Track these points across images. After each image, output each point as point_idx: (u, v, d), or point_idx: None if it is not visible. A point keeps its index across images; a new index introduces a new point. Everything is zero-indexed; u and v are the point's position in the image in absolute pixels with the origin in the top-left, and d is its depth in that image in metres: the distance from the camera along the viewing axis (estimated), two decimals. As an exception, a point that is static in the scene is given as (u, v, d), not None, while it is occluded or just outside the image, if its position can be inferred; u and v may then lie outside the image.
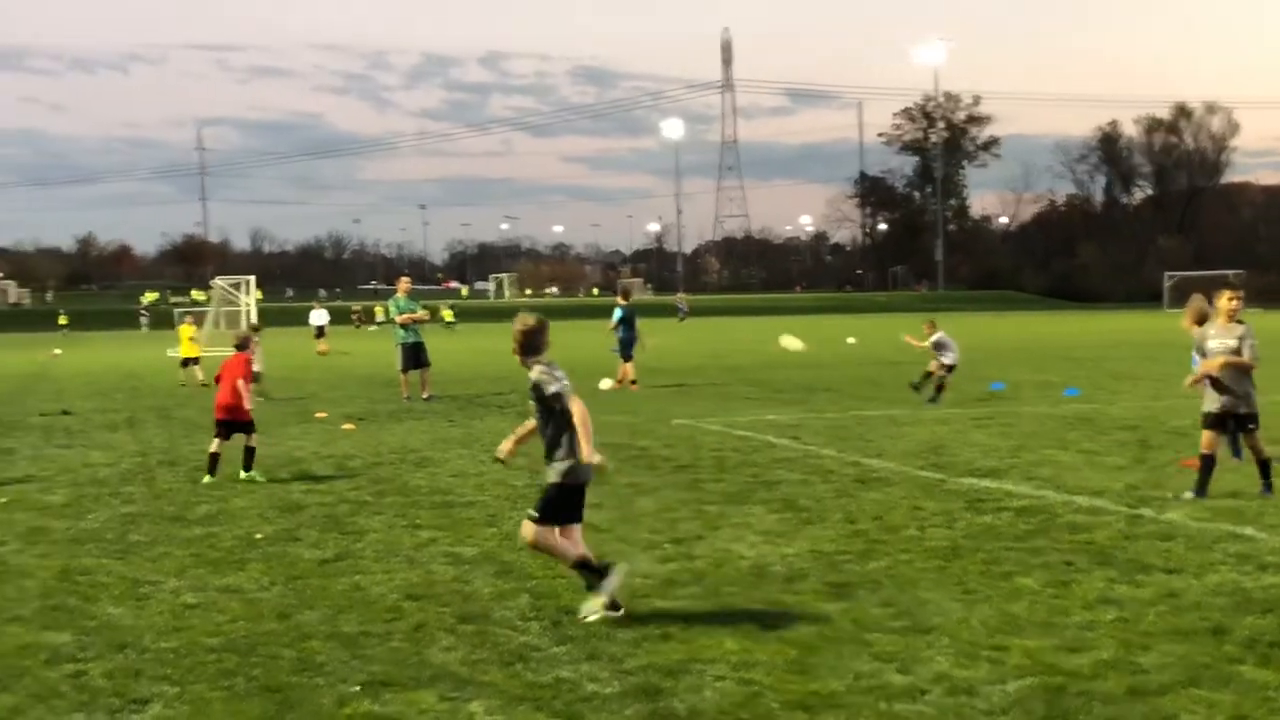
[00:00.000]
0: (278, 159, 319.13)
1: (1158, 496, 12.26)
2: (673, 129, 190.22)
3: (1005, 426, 18.38)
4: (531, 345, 8.30)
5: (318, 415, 21.59)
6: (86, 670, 7.11)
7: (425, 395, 24.78)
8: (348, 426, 19.81)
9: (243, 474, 14.23)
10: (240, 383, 14.47)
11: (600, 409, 21.83)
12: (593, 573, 8.12)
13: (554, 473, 8.19)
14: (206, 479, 14.18)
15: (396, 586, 9.03)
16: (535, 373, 8.18)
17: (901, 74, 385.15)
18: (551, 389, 8.08)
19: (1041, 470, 14.06)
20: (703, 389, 26.46)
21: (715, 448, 16.38)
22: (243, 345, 15.30)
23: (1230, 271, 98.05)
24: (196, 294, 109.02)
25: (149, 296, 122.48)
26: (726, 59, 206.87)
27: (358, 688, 6.70)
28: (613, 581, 8.08)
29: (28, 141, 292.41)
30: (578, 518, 8.32)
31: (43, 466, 15.89)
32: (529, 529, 8.13)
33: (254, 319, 33.15)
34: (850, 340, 46.91)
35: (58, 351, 49.93)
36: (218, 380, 14.93)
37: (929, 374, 23.07)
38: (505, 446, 8.74)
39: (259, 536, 11.01)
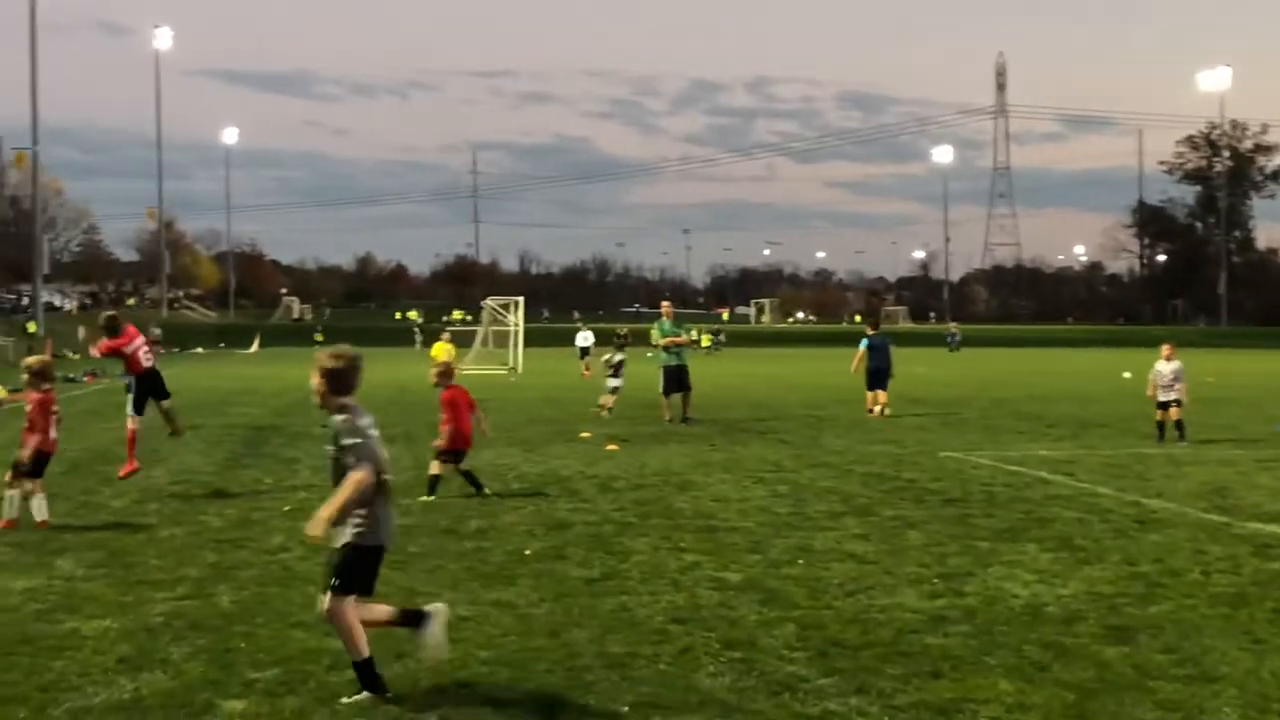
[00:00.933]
0: (546, 182, 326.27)
1: None
2: (942, 154, 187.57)
3: (1294, 470, 17.45)
4: (338, 386, 7.19)
5: (582, 435, 21.91)
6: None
7: (686, 418, 24.92)
8: (611, 447, 20.05)
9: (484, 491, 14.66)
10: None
11: (866, 439, 21.66)
12: (409, 620, 7.34)
13: (348, 533, 7.04)
14: (425, 498, 14.49)
15: (662, 609, 9.07)
16: (337, 419, 7.12)
17: (1183, 101, 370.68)
18: (346, 441, 7.02)
19: (1336, 517, 13.29)
20: (970, 421, 25.91)
21: (985, 482, 16.00)
22: (448, 375, 15.65)
23: None
24: (456, 314, 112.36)
25: (412, 315, 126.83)
26: (1000, 84, 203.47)
27: (626, 708, 6.74)
28: (432, 629, 7.25)
29: (311, 164, 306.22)
30: (371, 588, 7.18)
31: (325, 477, 16.44)
32: (326, 600, 7.01)
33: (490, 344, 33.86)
34: (1126, 375, 45.29)
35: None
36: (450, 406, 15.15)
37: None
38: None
39: (528, 553, 11.21)
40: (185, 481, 16.06)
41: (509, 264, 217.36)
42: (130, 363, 15.84)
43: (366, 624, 7.08)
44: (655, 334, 26.81)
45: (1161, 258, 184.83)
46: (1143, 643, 8.13)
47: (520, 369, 47.45)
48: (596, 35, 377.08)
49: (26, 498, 12.75)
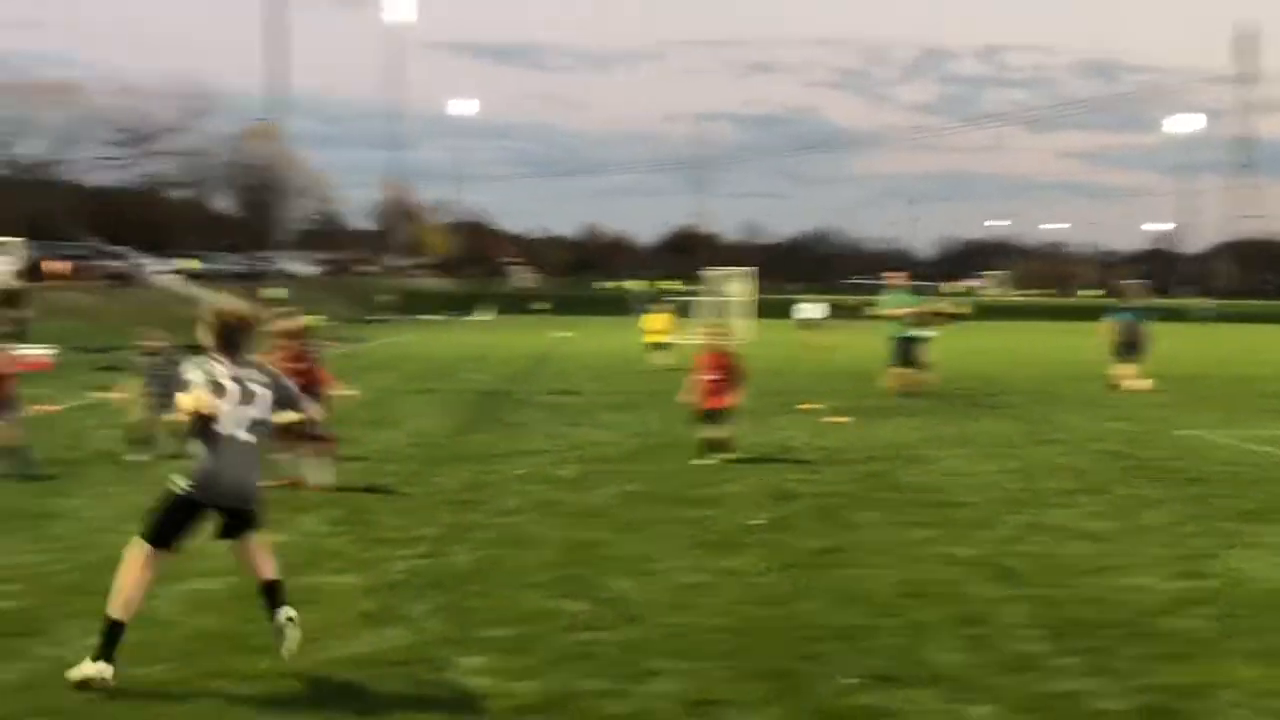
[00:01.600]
0: (770, 153, 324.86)
1: None
2: (1181, 123, 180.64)
3: None
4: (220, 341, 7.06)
5: (804, 407, 21.80)
6: (598, 639, 7.46)
7: (917, 392, 24.60)
8: (839, 419, 19.92)
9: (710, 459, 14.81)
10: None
11: (1099, 415, 21.05)
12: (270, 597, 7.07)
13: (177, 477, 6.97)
14: (703, 460, 14.78)
15: (893, 583, 9.00)
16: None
17: None
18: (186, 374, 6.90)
19: None
20: (1212, 399, 24.97)
21: (1228, 461, 15.43)
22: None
23: None
24: (672, 284, 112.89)
25: (635, 285, 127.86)
26: (1244, 49, 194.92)
27: (857, 680, 6.72)
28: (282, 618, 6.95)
29: (540, 135, 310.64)
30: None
31: (554, 442, 16.82)
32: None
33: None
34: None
35: (565, 334, 52.76)
36: (708, 370, 15.40)
37: None
38: None
39: (755, 523, 11.24)
40: (420, 445, 16.51)
41: (733, 234, 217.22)
42: None
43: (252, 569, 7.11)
44: (885, 305, 26.52)
45: None
46: (1401, 633, 7.77)
47: (744, 339, 47.45)
48: (826, 4, 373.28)
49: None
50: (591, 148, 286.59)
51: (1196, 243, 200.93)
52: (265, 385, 7.07)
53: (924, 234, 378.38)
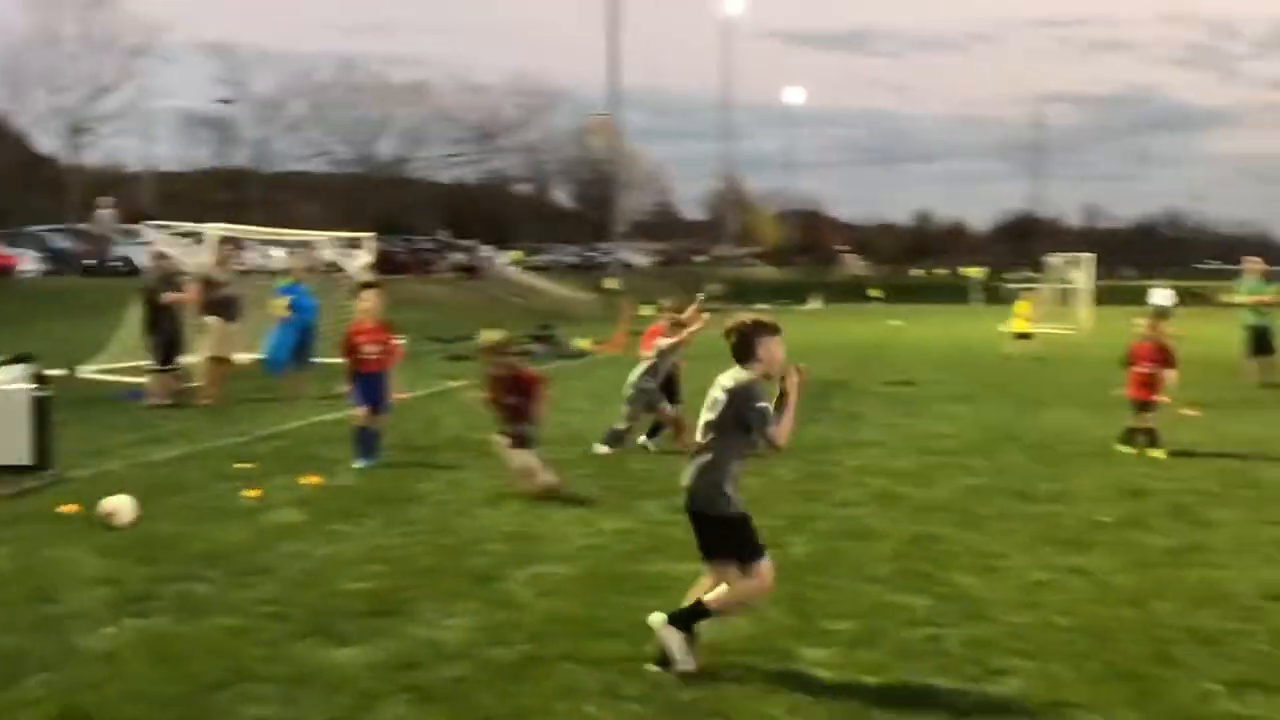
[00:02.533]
0: (1112, 134, 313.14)
1: None
2: None
3: None
4: (743, 352, 7.03)
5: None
6: (943, 635, 7.37)
7: (1270, 382, 23.33)
8: (1189, 412, 19.05)
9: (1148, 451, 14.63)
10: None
11: None
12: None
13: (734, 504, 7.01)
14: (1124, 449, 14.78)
15: (1255, 584, 8.57)
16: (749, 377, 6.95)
17: None
18: (759, 404, 6.87)
19: None
20: None
21: None
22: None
23: None
24: (1032, 272, 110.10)
25: (973, 272, 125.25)
26: None
27: (1220, 686, 6.43)
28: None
29: (872, 121, 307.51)
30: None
31: (890, 434, 16.66)
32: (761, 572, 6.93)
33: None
34: None
35: (898, 323, 52.19)
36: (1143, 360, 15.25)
37: None
38: None
39: (1105, 519, 10.88)
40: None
41: (1073, 219, 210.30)
42: None
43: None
44: (1240, 293, 25.27)
45: None
46: None
47: (1087, 328, 45.93)
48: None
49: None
50: (926, 132, 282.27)
51: None
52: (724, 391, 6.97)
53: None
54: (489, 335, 12.92)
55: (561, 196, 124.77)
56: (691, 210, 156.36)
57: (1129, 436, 15.00)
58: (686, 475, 7.06)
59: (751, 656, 7.01)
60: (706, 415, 7.01)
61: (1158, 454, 14.46)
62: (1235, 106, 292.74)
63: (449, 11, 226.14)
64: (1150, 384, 15.01)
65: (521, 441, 12.18)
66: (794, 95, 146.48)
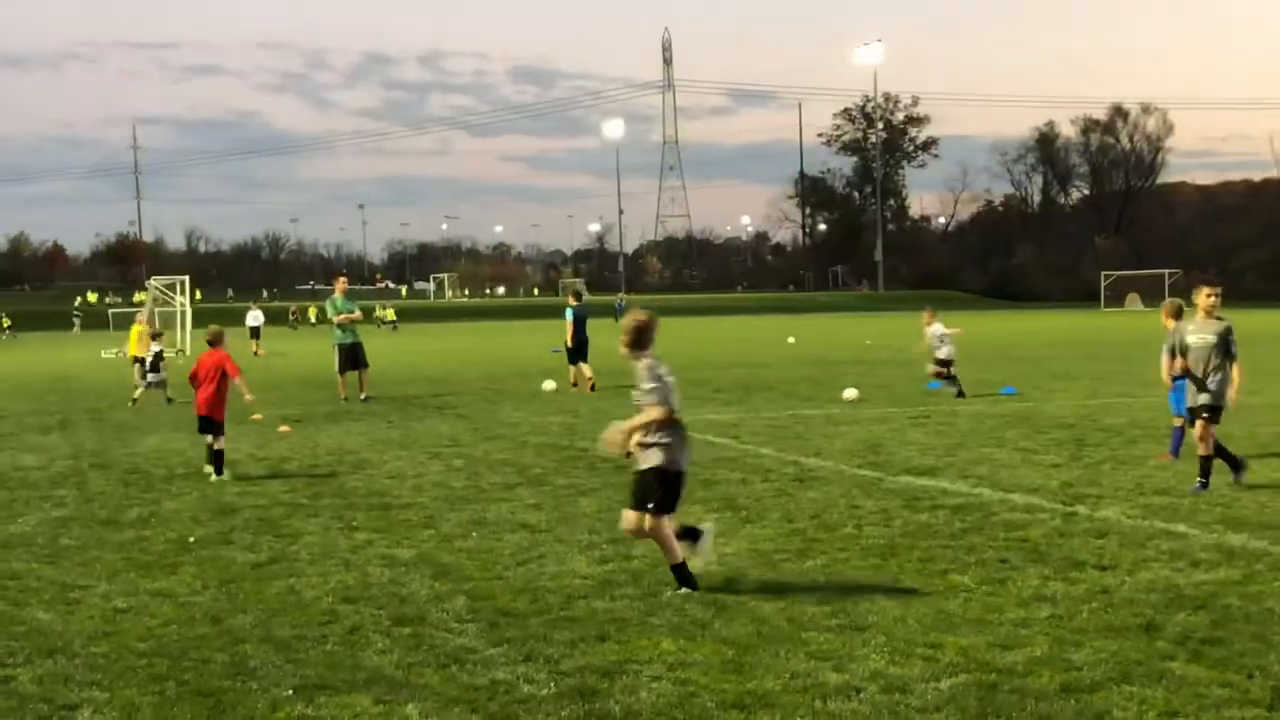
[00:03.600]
0: (214, 158, 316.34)
1: (1092, 494, 12.35)
2: (613, 129, 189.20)
3: (942, 425, 18.48)
4: (639, 340, 8.93)
5: (254, 417, 21.32)
6: (15, 676, 6.99)
7: (363, 396, 24.61)
8: (284, 429, 19.64)
9: (214, 477, 14.25)
10: (237, 379, 14.74)
11: (542, 410, 21.83)
12: (688, 535, 8.95)
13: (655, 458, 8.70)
14: (214, 476, 14.31)
15: (331, 589, 8.95)
16: (640, 365, 8.88)
17: (841, 75, 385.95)
18: (645, 384, 8.75)
19: (978, 469, 14.14)
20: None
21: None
22: (216, 341, 15.13)
23: (1166, 271, 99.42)
24: (141, 295, 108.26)
25: (91, 297, 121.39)
26: (667, 59, 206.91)
27: (290, 691, 6.62)
28: (705, 541, 9.00)
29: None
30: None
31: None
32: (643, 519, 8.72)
33: (156, 325, 32.23)
34: (790, 340, 47.02)
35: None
36: (194, 379, 14.77)
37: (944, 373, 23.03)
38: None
39: (191, 540, 10.89)
40: None
41: (176, 242, 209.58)
42: None
43: (661, 543, 8.72)
44: (328, 310, 26.36)
45: (823, 227, 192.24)
46: (798, 596, 8.48)
47: (189, 350, 45.87)
48: (266, 6, 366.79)
49: None
50: (18, 153, 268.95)
51: (630, 241, 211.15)
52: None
53: (377, 238, 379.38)
54: None
55: None
56: None
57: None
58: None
59: None
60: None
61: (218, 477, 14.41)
62: (327, 133, 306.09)
63: None
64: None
65: None
66: None
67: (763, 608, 8.19)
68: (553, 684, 6.69)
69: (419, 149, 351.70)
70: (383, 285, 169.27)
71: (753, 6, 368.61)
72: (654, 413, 8.57)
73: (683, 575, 8.65)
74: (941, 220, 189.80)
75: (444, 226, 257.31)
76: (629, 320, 8.96)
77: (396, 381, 29.63)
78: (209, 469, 14.41)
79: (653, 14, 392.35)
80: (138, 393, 24.95)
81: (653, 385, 8.62)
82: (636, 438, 8.70)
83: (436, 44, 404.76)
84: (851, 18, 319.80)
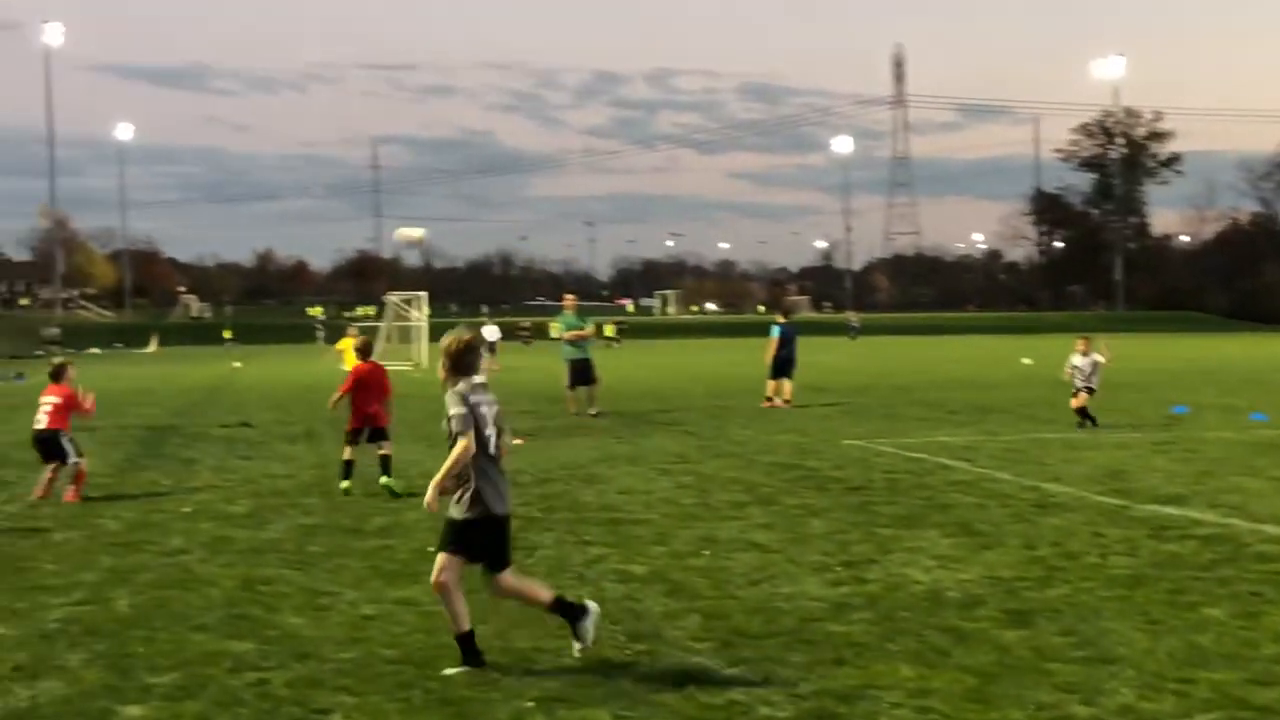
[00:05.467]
0: (449, 176, 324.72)
1: (1353, 527, 11.73)
2: (842, 145, 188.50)
3: (1189, 452, 17.80)
4: (457, 366, 7.74)
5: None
6: (269, 679, 7.25)
7: (593, 411, 24.91)
8: (516, 442, 19.96)
9: (383, 480, 14.73)
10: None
11: (770, 428, 21.78)
12: (566, 612, 7.76)
13: (450, 506, 7.72)
14: (346, 484, 14.72)
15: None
16: (448, 392, 7.73)
17: (1079, 89, 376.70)
18: (451, 410, 7.58)
19: (1228, 497, 13.57)
20: (872, 409, 26.16)
21: (887, 469, 16.16)
22: (368, 351, 15.72)
23: None
24: (364, 309, 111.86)
25: (315, 311, 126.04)
26: (898, 74, 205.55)
27: (531, 703, 6.72)
28: (587, 623, 7.69)
29: (209, 159, 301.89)
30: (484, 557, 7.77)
31: (225, 477, 16.33)
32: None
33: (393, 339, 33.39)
34: (1026, 361, 45.99)
35: (238, 364, 51.38)
36: (360, 390, 15.29)
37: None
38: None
39: (431, 550, 11.12)
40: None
41: (412, 258, 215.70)
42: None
43: (521, 597, 7.85)
44: (558, 327, 26.77)
45: (1059, 244, 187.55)
46: (1041, 626, 8.26)
47: (425, 364, 47.11)
48: (498, 28, 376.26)
49: None
50: (265, 171, 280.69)
51: (857, 258, 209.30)
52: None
53: (603, 254, 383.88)
54: None
55: None
56: (17, 250, 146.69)
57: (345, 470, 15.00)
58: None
59: (63, 721, 6.59)
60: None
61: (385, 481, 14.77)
62: (556, 152, 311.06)
63: None
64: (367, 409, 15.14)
65: None
66: (125, 131, 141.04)
67: (1004, 636, 8.00)
68: (791, 707, 6.64)
69: (647, 166, 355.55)
70: (623, 303, 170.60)
71: (986, 21, 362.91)
72: (457, 450, 7.45)
73: (467, 649, 7.43)
74: (1185, 239, 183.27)
75: (670, 243, 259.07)
76: (448, 341, 7.75)
77: (624, 397, 29.90)
78: (385, 480, 14.83)
79: (884, 29, 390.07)
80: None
81: (459, 412, 7.52)
82: (447, 484, 7.55)
83: (665, 62, 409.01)
84: (1089, 31, 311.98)
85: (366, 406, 15.04)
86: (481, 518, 7.57)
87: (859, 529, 11.91)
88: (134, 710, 6.74)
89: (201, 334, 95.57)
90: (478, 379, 7.74)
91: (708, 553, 10.85)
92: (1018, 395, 29.56)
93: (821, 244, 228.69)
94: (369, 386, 15.17)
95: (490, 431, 7.71)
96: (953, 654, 7.60)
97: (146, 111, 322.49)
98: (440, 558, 7.55)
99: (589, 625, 7.67)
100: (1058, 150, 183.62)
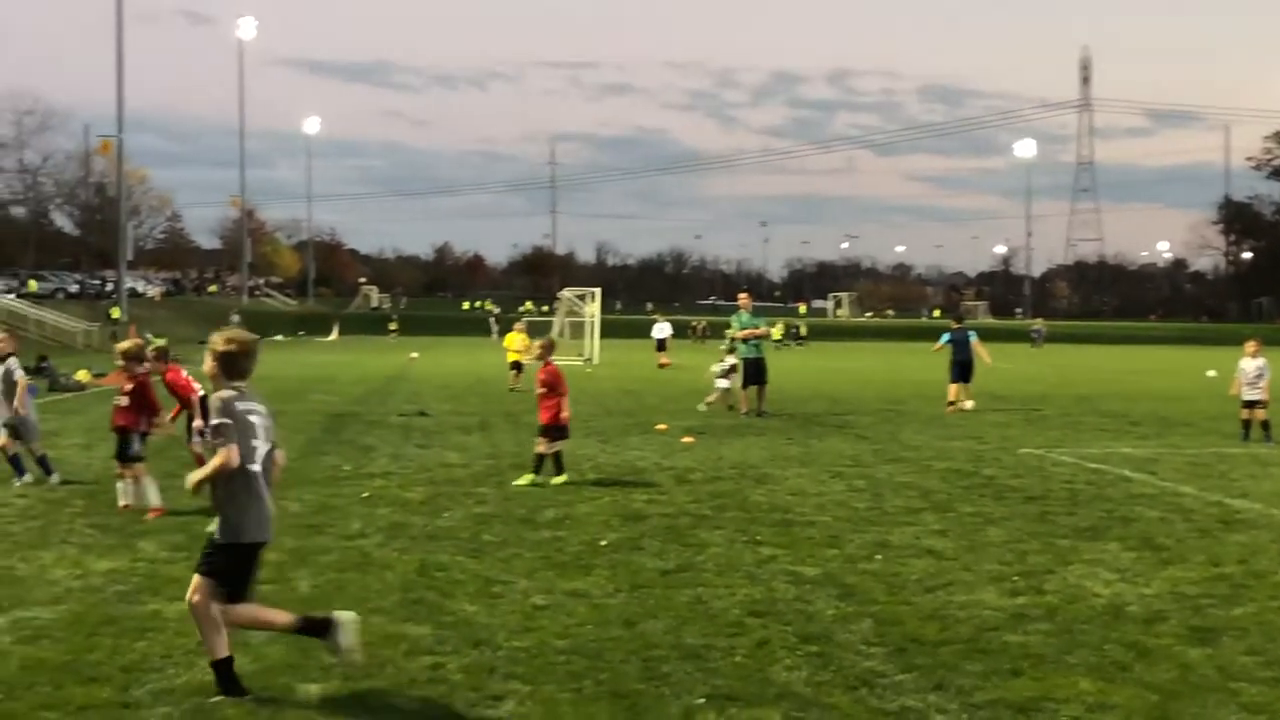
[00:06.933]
0: (624, 174, 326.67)
1: None
2: (1024, 149, 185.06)
3: (1385, 472, 17.06)
4: (228, 370, 7.03)
5: (658, 428, 21.88)
6: (444, 664, 7.37)
7: (759, 411, 24.84)
8: (687, 440, 20.01)
9: (555, 479, 14.82)
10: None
11: (946, 434, 21.46)
12: (314, 629, 7.12)
13: (215, 526, 7.02)
14: (531, 478, 14.82)
15: (738, 602, 9.03)
16: (215, 398, 7.00)
17: (1272, 96, 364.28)
18: (214, 420, 6.90)
19: None
20: (1052, 418, 25.60)
21: (1067, 480, 15.80)
22: (550, 351, 15.87)
23: None
24: (528, 305, 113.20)
25: (487, 305, 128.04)
26: (1085, 77, 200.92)
27: (703, 700, 6.72)
28: (343, 638, 7.04)
29: (391, 154, 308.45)
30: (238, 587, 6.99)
31: (402, 464, 16.64)
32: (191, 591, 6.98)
33: (566, 335, 34.11)
34: (1210, 373, 44.58)
35: (415, 355, 52.29)
36: (548, 387, 15.35)
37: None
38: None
39: (603, 543, 11.22)
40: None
41: (586, 255, 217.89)
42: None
43: (258, 627, 7.15)
44: (734, 327, 26.74)
45: (1248, 255, 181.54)
46: (1227, 644, 8.00)
47: (596, 360, 47.51)
48: (678, 27, 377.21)
49: (136, 482, 12.92)
50: (445, 167, 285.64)
51: (1038, 265, 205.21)
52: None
53: (777, 255, 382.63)
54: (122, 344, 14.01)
55: (62, 221, 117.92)
56: (205, 238, 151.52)
57: (538, 464, 15.08)
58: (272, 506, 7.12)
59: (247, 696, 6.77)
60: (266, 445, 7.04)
61: (558, 480, 14.79)
62: (732, 151, 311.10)
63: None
64: (553, 408, 15.18)
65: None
66: (312, 124, 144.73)
67: (1188, 653, 7.76)
68: (965, 715, 6.54)
69: (823, 167, 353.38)
70: (801, 304, 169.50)
71: (1176, 25, 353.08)
72: (217, 460, 6.79)
73: (224, 676, 6.82)
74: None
75: (844, 245, 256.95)
76: (218, 340, 7.05)
77: (795, 399, 29.74)
78: (559, 478, 14.88)
79: (1070, 32, 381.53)
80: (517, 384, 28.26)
81: (222, 422, 6.82)
82: (205, 489, 6.92)
83: (844, 63, 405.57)
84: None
85: (554, 405, 15.16)
86: (233, 544, 6.86)
87: (1037, 539, 11.66)
88: (315, 688, 6.89)
89: (380, 324, 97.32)
90: (246, 386, 7.05)
91: (880, 557, 10.73)
92: (1202, 408, 28.66)
93: (1000, 249, 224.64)
94: (554, 385, 15.29)
95: (259, 443, 7.02)
96: (1134, 669, 7.40)
97: (332, 106, 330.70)
98: (195, 579, 6.88)
99: (344, 635, 7.00)
100: (1250, 158, 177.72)
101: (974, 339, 27.98)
